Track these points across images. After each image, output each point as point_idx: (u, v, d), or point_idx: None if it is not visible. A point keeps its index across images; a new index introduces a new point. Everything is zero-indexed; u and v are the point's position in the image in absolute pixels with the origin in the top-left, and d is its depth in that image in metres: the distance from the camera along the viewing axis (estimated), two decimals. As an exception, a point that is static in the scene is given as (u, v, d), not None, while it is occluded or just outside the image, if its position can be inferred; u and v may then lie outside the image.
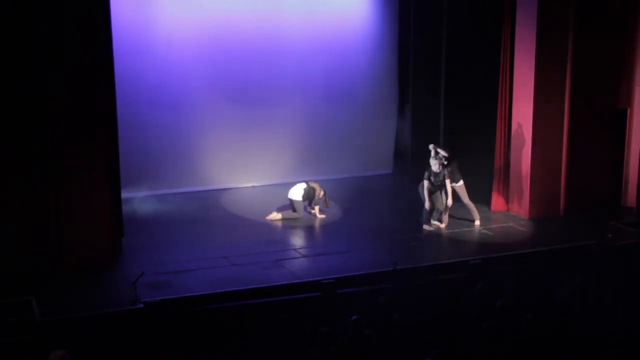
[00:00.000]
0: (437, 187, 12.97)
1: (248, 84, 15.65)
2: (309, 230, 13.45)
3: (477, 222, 13.33)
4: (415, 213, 13.46)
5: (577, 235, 12.68)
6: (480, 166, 14.55)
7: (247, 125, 15.76)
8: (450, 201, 12.98)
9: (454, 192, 13.10)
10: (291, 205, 13.74)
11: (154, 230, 13.17)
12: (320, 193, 13.73)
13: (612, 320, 8.30)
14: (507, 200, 14.17)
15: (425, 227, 13.08)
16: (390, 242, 12.56)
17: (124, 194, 12.85)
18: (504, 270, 10.88)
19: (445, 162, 12.91)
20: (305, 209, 13.87)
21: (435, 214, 13.13)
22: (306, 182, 13.86)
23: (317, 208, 13.79)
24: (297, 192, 13.70)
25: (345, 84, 16.47)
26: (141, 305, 9.67)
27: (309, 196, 13.74)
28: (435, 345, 7.66)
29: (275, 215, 13.67)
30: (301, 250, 12.28)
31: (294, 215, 13.69)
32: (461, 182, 13.17)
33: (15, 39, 10.48)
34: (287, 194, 13.85)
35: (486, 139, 14.49)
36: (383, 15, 16.64)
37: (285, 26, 15.71)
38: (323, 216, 13.82)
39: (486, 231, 13.17)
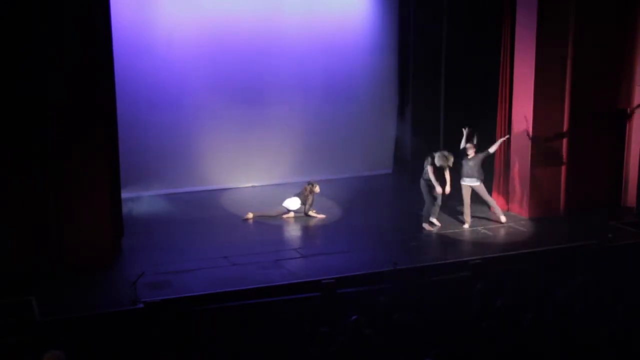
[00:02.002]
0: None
1: (248, 84, 15.65)
2: (309, 230, 13.45)
3: (503, 219, 13.33)
4: (415, 213, 13.46)
5: (577, 235, 12.68)
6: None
7: (247, 125, 15.76)
8: (440, 190, 12.93)
9: (474, 191, 13.20)
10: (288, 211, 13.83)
11: (154, 230, 13.17)
12: (309, 195, 13.75)
13: (612, 320, 8.30)
14: (507, 200, 14.17)
15: (425, 226, 13.07)
16: (390, 242, 12.56)
17: (124, 194, 12.85)
18: (504, 270, 10.88)
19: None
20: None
21: (435, 209, 13.12)
22: (296, 194, 13.86)
23: (312, 211, 13.81)
24: (293, 203, 13.75)
25: (345, 84, 16.46)
26: (141, 305, 9.67)
27: (304, 202, 13.77)
28: (435, 345, 7.65)
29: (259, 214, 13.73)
30: (301, 250, 12.27)
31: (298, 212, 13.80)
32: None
33: (15, 39, 10.48)
34: (285, 196, 13.94)
35: (486, 139, 14.47)
36: (383, 15, 16.64)
37: (285, 26, 15.71)
38: (323, 216, 13.82)
39: (486, 231, 13.17)
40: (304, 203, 13.75)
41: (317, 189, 13.83)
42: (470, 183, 13.14)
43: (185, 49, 15.03)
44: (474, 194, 13.27)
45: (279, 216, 13.75)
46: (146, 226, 13.33)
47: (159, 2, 14.88)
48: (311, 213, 13.78)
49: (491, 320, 8.19)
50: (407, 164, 16.36)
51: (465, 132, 13.15)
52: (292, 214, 13.77)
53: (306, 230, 13.43)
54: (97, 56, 11.05)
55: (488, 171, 14.33)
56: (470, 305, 8.91)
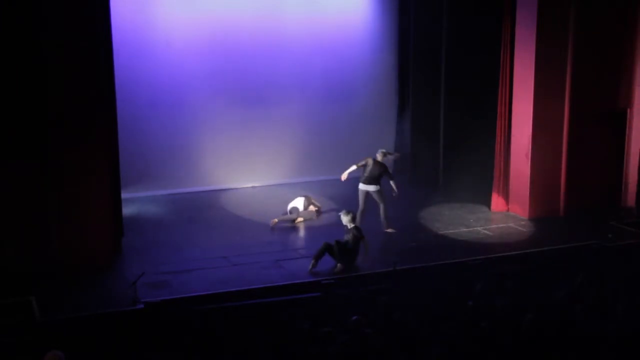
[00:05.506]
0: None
1: (248, 84, 15.66)
2: (309, 230, 13.45)
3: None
4: (414, 213, 13.44)
5: (577, 235, 12.68)
6: (480, 166, 14.55)
7: (247, 125, 15.77)
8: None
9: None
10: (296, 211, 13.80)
11: (154, 230, 13.17)
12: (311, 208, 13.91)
13: (612, 320, 8.30)
14: (507, 200, 14.17)
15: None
16: (391, 242, 12.55)
17: (124, 194, 12.84)
18: (504, 270, 10.87)
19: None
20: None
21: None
22: (304, 196, 13.91)
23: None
24: (298, 203, 13.80)
25: (345, 84, 16.48)
26: (141, 305, 9.68)
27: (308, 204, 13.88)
28: (435, 345, 7.65)
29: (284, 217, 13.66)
30: (301, 251, 12.27)
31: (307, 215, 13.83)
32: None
33: (15, 40, 10.49)
34: (289, 198, 13.97)
35: (486, 139, 14.48)
36: (383, 15, 16.65)
37: (286, 26, 15.72)
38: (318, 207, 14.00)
39: (486, 231, 13.17)
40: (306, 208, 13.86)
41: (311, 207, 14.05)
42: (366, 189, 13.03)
43: (185, 49, 15.04)
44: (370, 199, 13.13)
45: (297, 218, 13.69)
46: (146, 226, 13.34)
47: (159, 2, 14.89)
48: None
49: (491, 320, 8.19)
50: (407, 164, 16.35)
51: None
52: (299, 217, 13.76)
53: (306, 230, 13.42)
54: (97, 56, 11.05)
55: (488, 171, 14.36)
56: (470, 305, 8.91)
